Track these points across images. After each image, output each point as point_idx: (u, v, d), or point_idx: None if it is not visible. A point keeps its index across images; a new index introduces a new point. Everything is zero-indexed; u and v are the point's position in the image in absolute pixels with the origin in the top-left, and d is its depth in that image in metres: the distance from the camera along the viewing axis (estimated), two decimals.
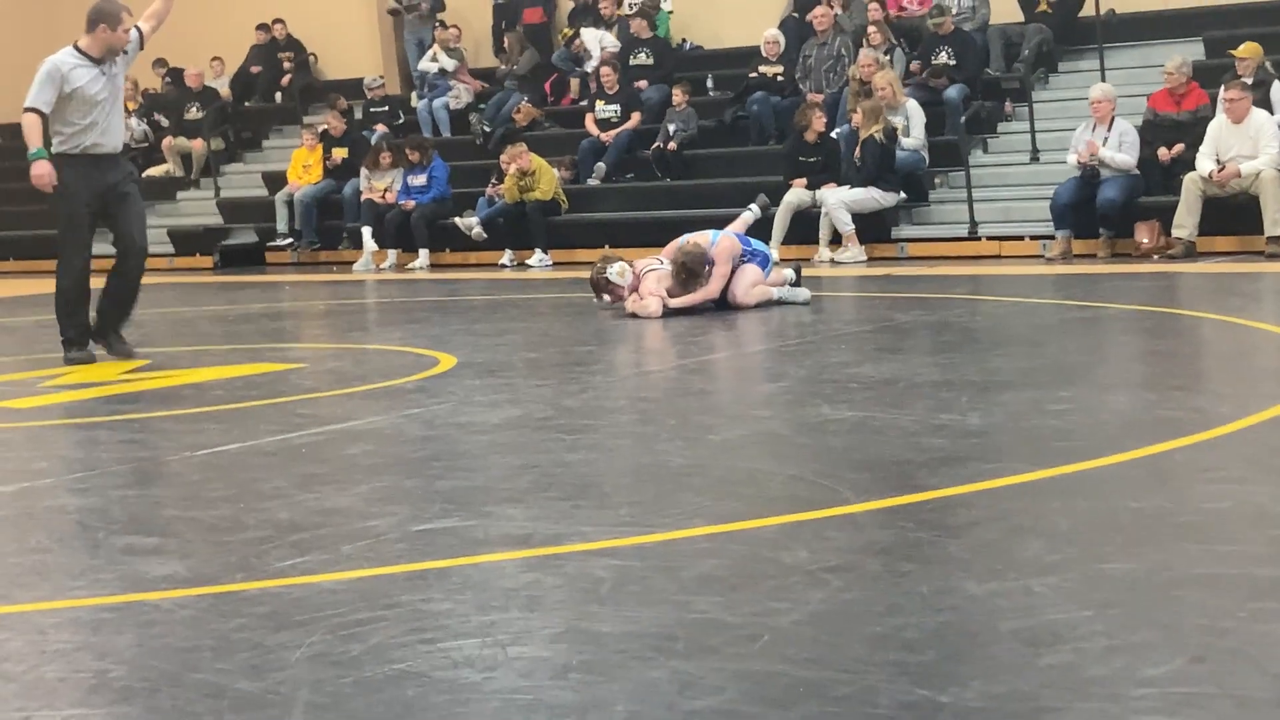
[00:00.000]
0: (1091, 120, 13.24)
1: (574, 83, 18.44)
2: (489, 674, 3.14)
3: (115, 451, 6.05)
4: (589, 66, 18.05)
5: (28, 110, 8.65)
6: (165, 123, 20.95)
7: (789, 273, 10.35)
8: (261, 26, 21.30)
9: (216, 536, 4.49)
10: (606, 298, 10.12)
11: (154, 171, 20.56)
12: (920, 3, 16.52)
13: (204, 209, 19.67)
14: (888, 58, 15.69)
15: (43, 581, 4.13)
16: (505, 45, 19.00)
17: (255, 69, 21.23)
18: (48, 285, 9.39)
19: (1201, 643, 3.10)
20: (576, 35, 18.50)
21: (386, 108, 19.29)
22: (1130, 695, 2.83)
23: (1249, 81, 12.96)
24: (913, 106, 14.62)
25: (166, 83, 21.41)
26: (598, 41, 18.26)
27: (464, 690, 3.06)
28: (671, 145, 16.16)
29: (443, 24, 19.63)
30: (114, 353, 8.99)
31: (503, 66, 19.12)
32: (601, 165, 16.62)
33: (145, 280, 9.43)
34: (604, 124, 16.92)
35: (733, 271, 9.90)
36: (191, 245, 18.89)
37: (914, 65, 15.60)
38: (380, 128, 18.75)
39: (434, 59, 19.23)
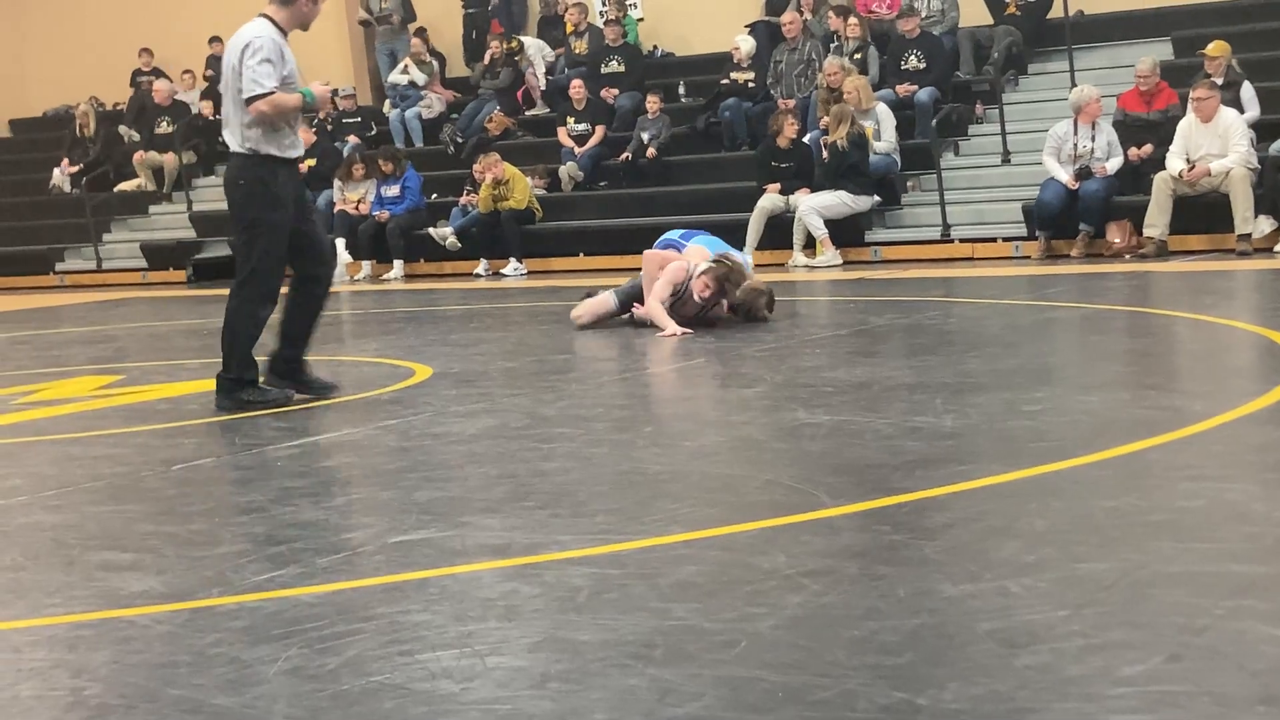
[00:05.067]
0: (1070, 120, 13.27)
1: (524, 91, 18.57)
2: (467, 685, 3.14)
3: (90, 467, 6.03)
4: (533, 75, 18.30)
5: (259, 97, 7.03)
6: (136, 136, 20.90)
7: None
8: (215, 39, 21.27)
9: (192, 551, 4.48)
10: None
11: (126, 186, 20.50)
12: (889, 6, 16.56)
13: (177, 223, 19.62)
14: (859, 57, 15.72)
15: (17, 599, 4.11)
16: (489, 55, 18.92)
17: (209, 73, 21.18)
18: (20, 301, 9.18)
19: (1178, 641, 3.11)
20: (521, 48, 18.58)
21: (359, 119, 19.26)
22: (1108, 695, 2.84)
23: (1219, 81, 13.02)
24: (883, 110, 14.66)
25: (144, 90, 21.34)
26: (539, 52, 18.49)
27: (442, 701, 3.05)
28: (651, 152, 16.17)
29: (421, 32, 19.59)
30: (315, 389, 7.51)
31: (475, 75, 19.10)
32: (573, 164, 16.64)
33: (118, 295, 9.27)
34: (577, 139, 16.95)
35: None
36: (164, 259, 18.83)
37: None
38: (352, 139, 18.72)
39: (405, 71, 19.21)
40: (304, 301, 7.42)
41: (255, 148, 7.12)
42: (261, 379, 7.39)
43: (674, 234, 10.34)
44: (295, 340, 7.42)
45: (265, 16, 7.23)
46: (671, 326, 9.09)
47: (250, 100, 7.03)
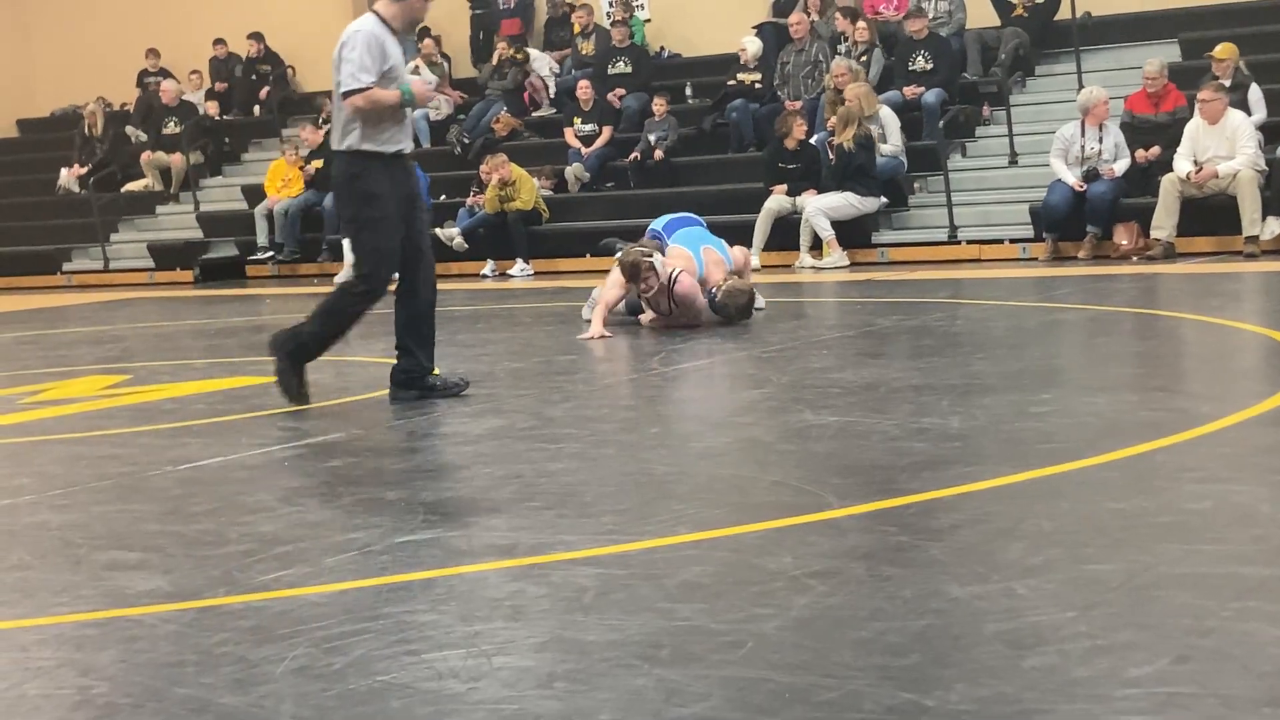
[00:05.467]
0: (1078, 122, 13.27)
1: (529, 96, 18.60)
2: (474, 685, 3.14)
3: (96, 467, 6.03)
4: (538, 79, 18.42)
5: (355, 92, 6.93)
6: (143, 136, 20.92)
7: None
8: (219, 41, 21.30)
9: (199, 551, 4.48)
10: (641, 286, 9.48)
11: (133, 186, 20.52)
12: (896, 7, 16.55)
13: (183, 223, 19.63)
14: (865, 60, 15.72)
15: (25, 598, 4.11)
16: (496, 56, 18.93)
17: (221, 86, 21.22)
18: (27, 301, 9.15)
19: (1185, 643, 3.10)
20: (526, 59, 18.58)
21: None
22: (1115, 696, 2.84)
23: (1226, 83, 13.01)
24: (887, 114, 14.64)
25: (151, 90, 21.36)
26: (546, 65, 18.50)
27: (448, 701, 3.05)
28: (658, 153, 16.17)
29: (425, 31, 19.59)
30: (448, 390, 7.25)
31: (482, 76, 19.12)
32: (580, 165, 16.65)
33: (125, 295, 9.25)
34: (584, 140, 16.96)
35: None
36: (171, 260, 18.84)
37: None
38: None
39: (415, 72, 19.21)
40: (408, 310, 7.21)
41: (354, 145, 6.99)
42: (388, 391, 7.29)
43: (659, 223, 10.24)
44: (408, 350, 7.22)
45: (374, 13, 7.14)
46: (593, 330, 9.25)
47: (346, 95, 6.94)
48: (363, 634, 3.51)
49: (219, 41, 21.34)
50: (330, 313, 7.21)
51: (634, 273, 9.33)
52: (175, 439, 6.62)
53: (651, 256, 9.37)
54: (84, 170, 20.75)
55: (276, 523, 4.77)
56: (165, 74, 21.67)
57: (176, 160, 20.16)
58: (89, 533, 4.86)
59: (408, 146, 7.15)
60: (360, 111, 6.92)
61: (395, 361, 7.26)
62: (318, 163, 18.01)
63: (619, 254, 9.58)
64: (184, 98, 20.90)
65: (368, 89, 6.90)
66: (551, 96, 18.36)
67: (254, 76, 21.17)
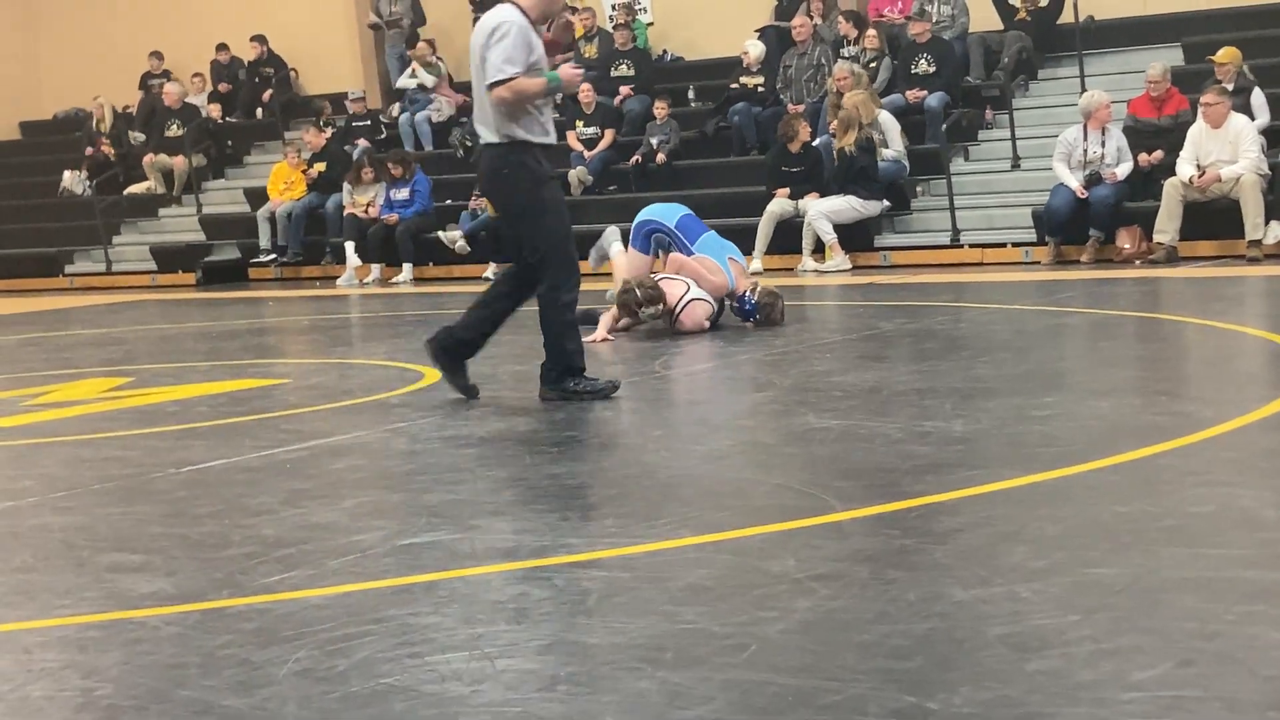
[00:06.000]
0: (1080, 126, 13.27)
1: None
2: (477, 687, 3.13)
3: (99, 469, 6.03)
4: None
5: (502, 83, 6.79)
6: (142, 138, 20.95)
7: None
8: (222, 46, 21.32)
9: (202, 553, 4.48)
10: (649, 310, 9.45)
11: (135, 189, 20.53)
12: (900, 10, 16.56)
13: (186, 226, 19.64)
14: (874, 66, 15.72)
15: (28, 600, 4.11)
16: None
17: (225, 87, 21.24)
18: (29, 304, 9.15)
19: (1189, 646, 3.10)
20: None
21: (369, 122, 19.28)
22: (1119, 700, 2.83)
23: (1229, 87, 13.01)
24: (886, 119, 14.64)
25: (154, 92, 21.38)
26: None
27: (452, 704, 3.05)
28: (661, 157, 16.17)
29: (427, 41, 19.61)
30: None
31: None
32: (582, 168, 16.65)
33: (127, 298, 9.26)
34: (586, 143, 16.96)
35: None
36: (174, 262, 18.85)
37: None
38: (361, 142, 18.74)
39: (412, 75, 19.23)
40: (511, 298, 7.22)
41: (510, 134, 6.88)
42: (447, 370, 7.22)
43: (668, 217, 10.06)
44: (472, 326, 7.23)
45: (512, 3, 6.99)
46: (597, 334, 9.28)
47: (493, 85, 6.80)
48: (366, 636, 3.51)
49: (222, 46, 21.35)
50: (552, 324, 7.06)
51: (633, 312, 9.43)
52: (178, 441, 6.62)
53: (655, 288, 9.34)
54: (85, 171, 20.74)
55: (279, 525, 4.77)
56: (168, 76, 21.70)
57: (179, 163, 20.17)
58: (92, 535, 4.86)
59: (554, 138, 7.13)
60: (504, 103, 6.81)
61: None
62: (320, 165, 18.04)
63: (621, 290, 9.51)
64: (187, 100, 20.92)
65: (512, 79, 6.78)
66: (557, 100, 18.30)
67: (257, 79, 21.19)
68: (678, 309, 9.35)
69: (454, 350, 7.24)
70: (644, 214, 10.27)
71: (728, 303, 9.59)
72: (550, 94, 6.97)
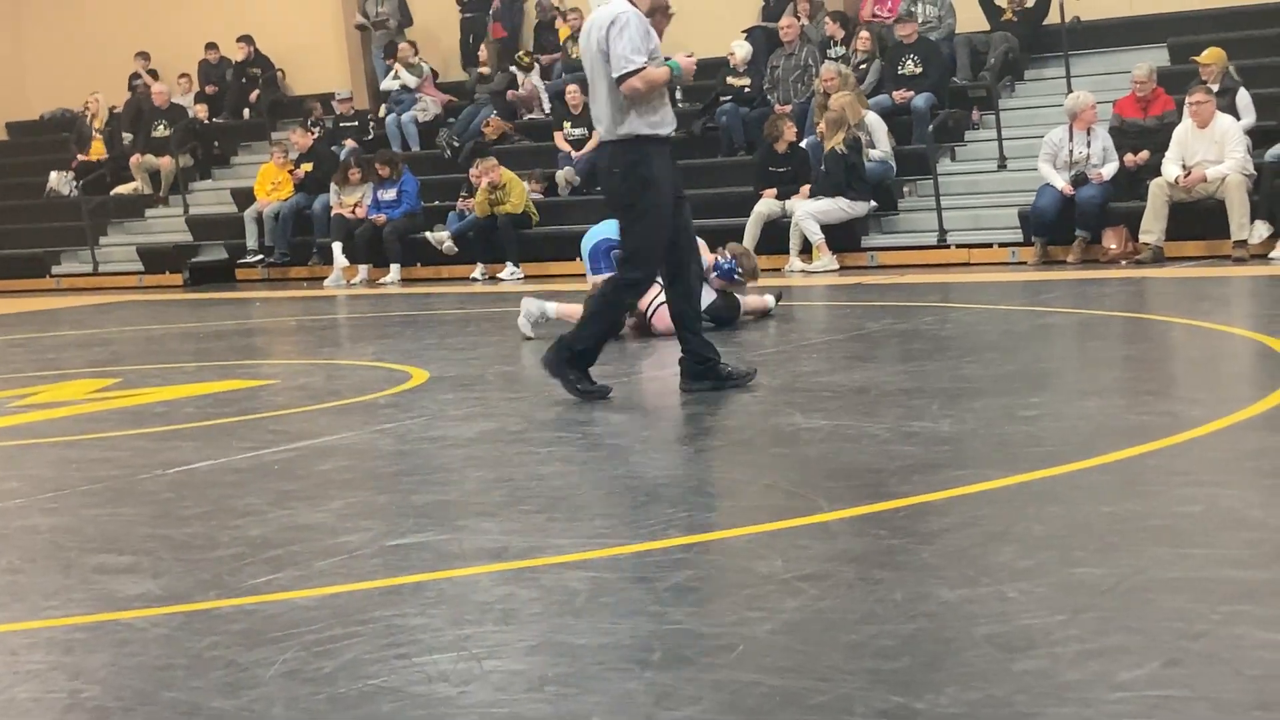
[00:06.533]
0: (1066, 126, 13.29)
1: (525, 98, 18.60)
2: (464, 688, 3.13)
3: (87, 470, 6.02)
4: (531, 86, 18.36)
5: (632, 74, 6.75)
6: (129, 138, 20.92)
7: (769, 298, 10.22)
8: (210, 45, 21.30)
9: (189, 554, 4.48)
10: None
11: (122, 189, 20.49)
12: (889, 10, 16.58)
13: (173, 226, 19.60)
14: (864, 68, 15.73)
15: (15, 602, 4.10)
16: (480, 57, 19.00)
17: (212, 88, 21.22)
18: (16, 305, 9.12)
19: (1176, 646, 3.11)
20: (532, 66, 18.56)
21: (355, 122, 19.26)
22: (1105, 700, 2.84)
23: (1214, 87, 13.04)
24: (873, 120, 14.66)
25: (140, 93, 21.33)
26: (530, 82, 18.45)
27: (439, 705, 3.05)
28: None
29: (409, 42, 19.60)
30: (737, 379, 7.06)
31: (471, 79, 19.14)
32: (570, 168, 16.66)
33: (114, 299, 9.23)
34: (574, 143, 16.97)
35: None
36: (161, 263, 18.82)
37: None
38: (349, 143, 18.73)
39: (395, 76, 19.22)
40: (683, 299, 7.11)
41: (632, 130, 6.84)
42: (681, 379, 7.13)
43: (613, 232, 10.08)
44: (694, 339, 7.08)
45: None
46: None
47: (623, 78, 6.76)
48: (353, 637, 3.51)
49: (210, 46, 21.32)
50: (601, 312, 7.03)
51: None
52: (165, 442, 6.61)
53: None
54: (71, 172, 20.72)
55: (267, 526, 4.77)
56: (155, 76, 21.66)
57: (166, 163, 20.14)
58: (79, 536, 4.85)
59: (673, 127, 7.07)
60: (636, 94, 6.77)
61: (683, 353, 7.09)
62: (307, 166, 18.02)
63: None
64: (173, 101, 20.88)
65: (642, 69, 6.76)
66: (546, 110, 18.22)
67: (244, 80, 21.17)
68: (649, 313, 9.38)
69: (709, 369, 7.06)
70: (593, 236, 10.27)
71: (709, 279, 9.60)
72: (672, 83, 7.00)
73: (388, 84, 19.33)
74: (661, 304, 9.32)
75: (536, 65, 18.57)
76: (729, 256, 9.72)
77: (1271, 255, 12.21)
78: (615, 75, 6.78)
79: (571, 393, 6.95)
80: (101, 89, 21.67)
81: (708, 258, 9.66)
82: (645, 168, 6.87)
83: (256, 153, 20.25)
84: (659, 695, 3.02)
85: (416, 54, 19.32)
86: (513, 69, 18.65)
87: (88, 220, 19.65)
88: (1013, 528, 4.16)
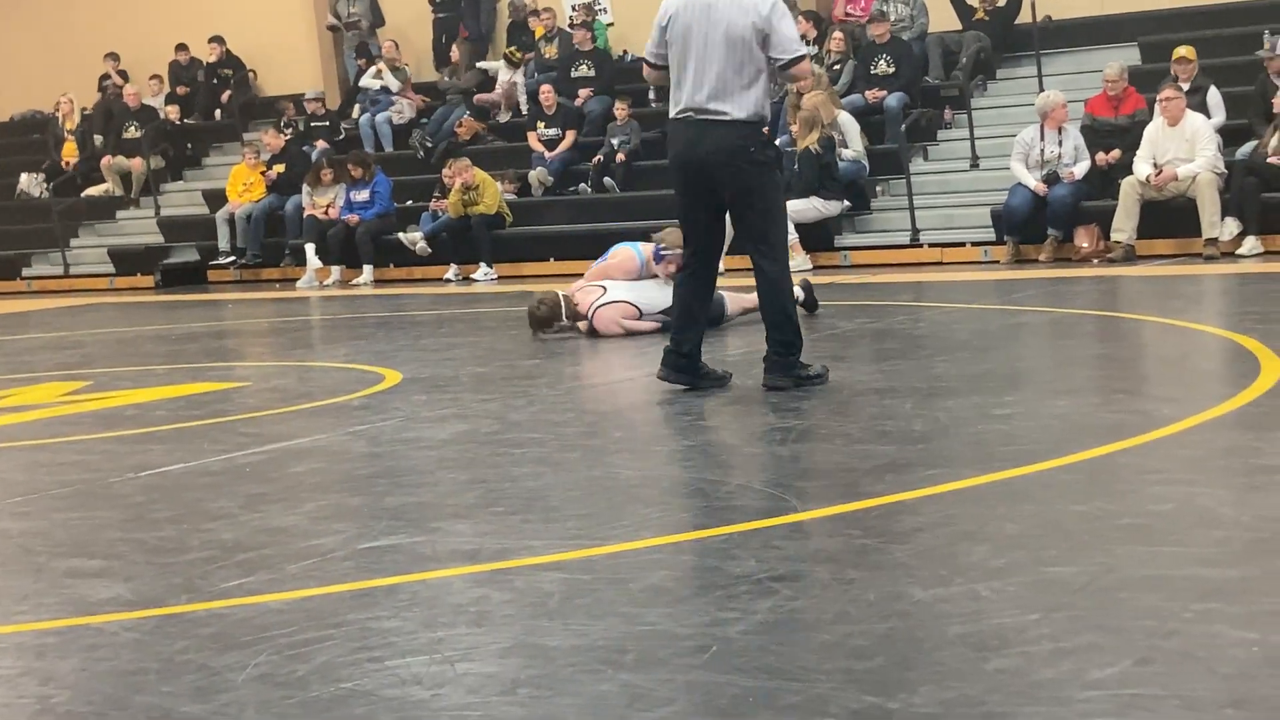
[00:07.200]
0: (1038, 125, 13.32)
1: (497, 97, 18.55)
2: (437, 691, 3.13)
3: (57, 474, 5.99)
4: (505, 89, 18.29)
5: (802, 57, 6.83)
6: (99, 140, 20.84)
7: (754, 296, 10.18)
8: (181, 46, 21.21)
9: (161, 558, 4.45)
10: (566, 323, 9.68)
11: (93, 191, 20.40)
12: (862, 9, 16.60)
13: (144, 228, 19.52)
14: (838, 69, 15.75)
15: None
16: (452, 58, 18.99)
17: (183, 89, 21.14)
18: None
19: (1148, 644, 3.12)
20: (519, 63, 18.50)
21: (327, 122, 19.20)
22: (1078, 698, 2.85)
23: (1185, 85, 13.09)
24: (846, 120, 14.66)
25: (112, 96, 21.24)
26: (513, 80, 18.38)
27: (412, 708, 3.04)
28: (620, 156, 16.17)
29: (392, 41, 19.56)
30: (713, 382, 7.09)
31: (445, 79, 19.11)
32: (543, 169, 16.64)
33: (85, 301, 9.20)
34: (547, 143, 16.95)
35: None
36: (132, 265, 18.74)
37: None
38: (320, 144, 18.66)
39: (378, 75, 19.17)
40: (700, 288, 7.11)
41: (761, 113, 6.82)
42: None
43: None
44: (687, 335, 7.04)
45: None
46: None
47: (797, 60, 6.77)
48: (325, 641, 3.50)
49: (181, 47, 21.23)
50: (781, 305, 6.93)
51: (545, 324, 9.66)
52: (137, 445, 6.58)
53: (554, 304, 9.62)
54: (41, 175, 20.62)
55: (239, 529, 4.75)
56: (125, 78, 21.57)
57: (137, 165, 20.05)
58: (50, 540, 4.82)
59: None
60: (806, 76, 6.95)
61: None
62: (279, 167, 17.96)
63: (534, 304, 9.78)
64: (145, 102, 20.80)
65: (806, 56, 6.87)
66: (525, 110, 18.14)
67: (215, 80, 21.09)
68: (589, 315, 9.49)
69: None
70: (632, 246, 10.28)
71: (656, 266, 9.71)
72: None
73: (367, 81, 19.26)
74: (600, 305, 9.41)
75: (522, 65, 18.53)
76: (662, 240, 9.83)
77: (1240, 252, 12.27)
78: (789, 57, 6.74)
79: (812, 383, 6.83)
80: (72, 90, 21.57)
81: (647, 249, 9.82)
82: (772, 151, 6.91)
83: (228, 154, 20.18)
84: (632, 697, 3.01)
85: (397, 50, 19.27)
86: (484, 65, 18.58)
87: (58, 222, 19.55)
88: (985, 527, 4.16)
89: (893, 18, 16.02)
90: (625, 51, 18.88)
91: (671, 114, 6.90)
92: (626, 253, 10.04)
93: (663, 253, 9.66)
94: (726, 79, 6.74)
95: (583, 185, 16.57)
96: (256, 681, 3.25)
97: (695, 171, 6.80)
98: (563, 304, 9.62)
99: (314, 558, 4.32)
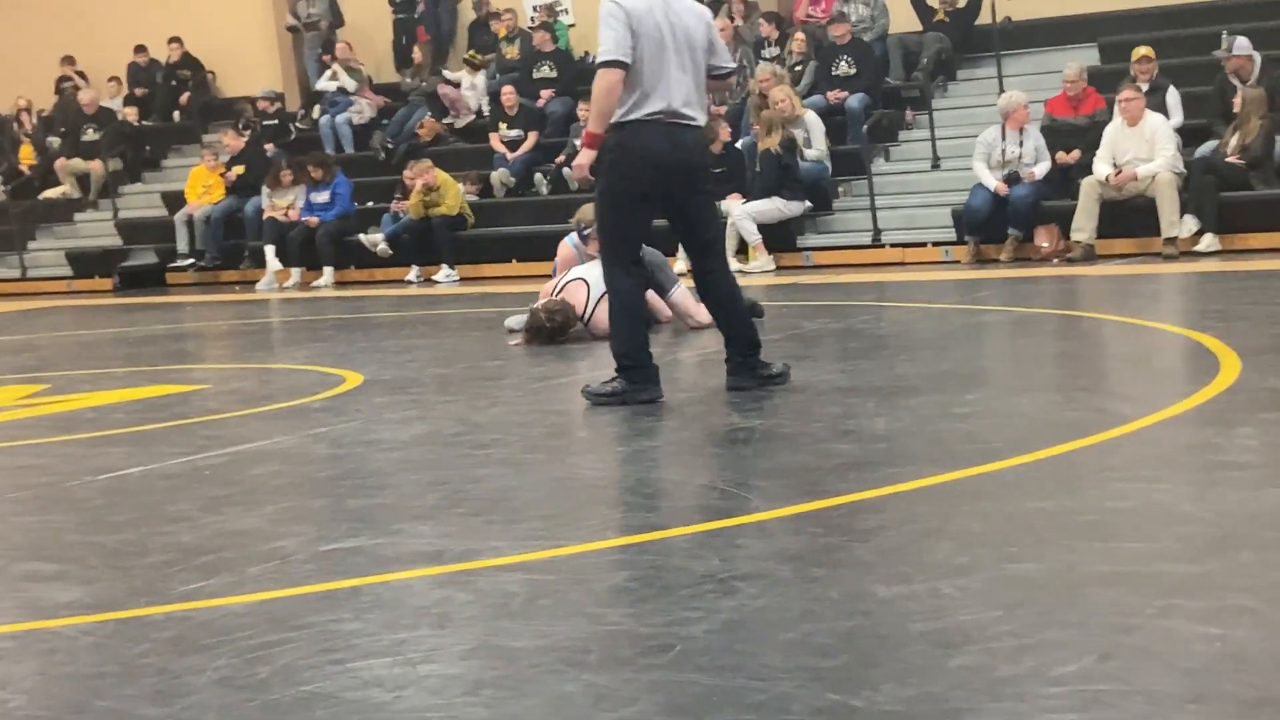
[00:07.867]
0: (999, 125, 13.38)
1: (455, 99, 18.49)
2: (399, 693, 3.11)
3: (15, 477, 5.94)
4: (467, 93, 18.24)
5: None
6: (57, 142, 20.71)
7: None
8: (140, 48, 21.10)
9: (120, 561, 4.42)
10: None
11: (50, 193, 20.27)
12: (823, 10, 16.64)
13: (102, 230, 19.42)
14: (799, 69, 15.78)
15: None
16: (414, 59, 18.95)
17: (141, 91, 21.02)
18: None
19: (1110, 641, 3.12)
20: (477, 68, 18.45)
21: (277, 122, 19.07)
22: (1040, 694, 2.85)
23: (1144, 86, 13.17)
24: (812, 119, 14.70)
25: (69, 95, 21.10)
26: (473, 86, 18.30)
27: (374, 710, 3.02)
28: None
29: (346, 43, 19.50)
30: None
31: (408, 80, 19.07)
32: (504, 170, 16.62)
33: (43, 304, 9.14)
34: (509, 144, 16.93)
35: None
36: (90, 267, 18.63)
37: None
38: (270, 147, 18.50)
39: (334, 77, 19.11)
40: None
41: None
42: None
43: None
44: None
45: None
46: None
47: (733, 71, 7.25)
48: (287, 643, 3.47)
49: (140, 48, 21.12)
50: (742, 310, 6.95)
51: (559, 332, 9.23)
52: (95, 448, 6.53)
53: (558, 309, 9.28)
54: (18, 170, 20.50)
55: (199, 532, 4.71)
56: (83, 79, 21.43)
57: (95, 167, 19.93)
58: (7, 544, 4.78)
59: None
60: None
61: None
62: (239, 169, 17.88)
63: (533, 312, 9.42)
64: (102, 104, 20.68)
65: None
66: (486, 113, 18.04)
67: (174, 82, 20.98)
68: (586, 316, 9.31)
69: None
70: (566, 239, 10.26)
71: (586, 248, 9.73)
72: None
73: (323, 84, 19.20)
74: (598, 300, 9.28)
75: (484, 68, 18.48)
76: (576, 222, 9.97)
77: (1198, 248, 12.35)
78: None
79: (768, 384, 6.78)
80: (28, 92, 21.43)
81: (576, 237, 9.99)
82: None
83: (187, 155, 20.09)
84: (596, 697, 3.00)
85: (351, 52, 19.21)
86: (447, 71, 18.57)
87: (15, 225, 19.42)
88: (948, 524, 4.17)
89: (853, 19, 16.06)
90: (586, 53, 18.86)
91: (635, 115, 6.73)
92: (564, 247, 10.10)
93: (585, 231, 9.65)
94: (696, 84, 6.79)
95: (539, 176, 16.50)
96: (217, 685, 3.23)
97: (669, 173, 6.73)
98: (571, 310, 9.25)
99: (275, 560, 4.29)
